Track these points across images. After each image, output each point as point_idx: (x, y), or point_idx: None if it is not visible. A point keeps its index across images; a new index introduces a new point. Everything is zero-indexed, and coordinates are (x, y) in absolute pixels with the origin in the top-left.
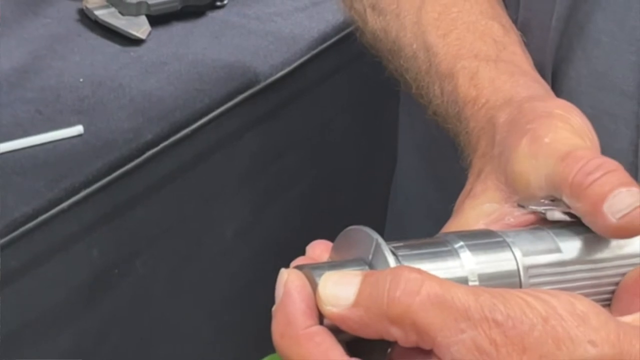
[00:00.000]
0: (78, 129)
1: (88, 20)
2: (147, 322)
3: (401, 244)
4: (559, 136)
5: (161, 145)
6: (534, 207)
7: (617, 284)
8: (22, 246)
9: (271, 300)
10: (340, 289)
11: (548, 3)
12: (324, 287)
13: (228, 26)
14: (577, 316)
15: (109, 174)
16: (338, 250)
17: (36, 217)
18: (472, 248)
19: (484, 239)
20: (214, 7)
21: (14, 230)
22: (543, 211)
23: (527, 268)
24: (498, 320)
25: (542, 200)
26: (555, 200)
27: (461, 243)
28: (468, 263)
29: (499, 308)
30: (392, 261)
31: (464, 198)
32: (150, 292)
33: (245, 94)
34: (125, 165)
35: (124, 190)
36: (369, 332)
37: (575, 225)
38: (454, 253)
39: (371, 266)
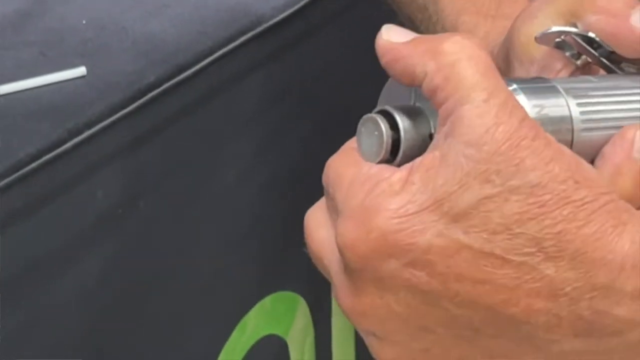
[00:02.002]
0: (81, 71)
1: None
2: (150, 262)
3: None
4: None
5: (164, 87)
6: (554, 29)
7: None
8: (26, 187)
9: (272, 243)
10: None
11: None
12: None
13: None
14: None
15: (112, 115)
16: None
17: (40, 157)
18: (526, 91)
19: (536, 83)
20: None
21: (18, 171)
22: (564, 31)
23: (580, 112)
24: None
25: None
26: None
27: (515, 86)
28: (524, 105)
29: None
30: None
31: None
32: (154, 232)
33: (248, 36)
34: (128, 107)
35: (127, 131)
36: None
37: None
38: None
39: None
